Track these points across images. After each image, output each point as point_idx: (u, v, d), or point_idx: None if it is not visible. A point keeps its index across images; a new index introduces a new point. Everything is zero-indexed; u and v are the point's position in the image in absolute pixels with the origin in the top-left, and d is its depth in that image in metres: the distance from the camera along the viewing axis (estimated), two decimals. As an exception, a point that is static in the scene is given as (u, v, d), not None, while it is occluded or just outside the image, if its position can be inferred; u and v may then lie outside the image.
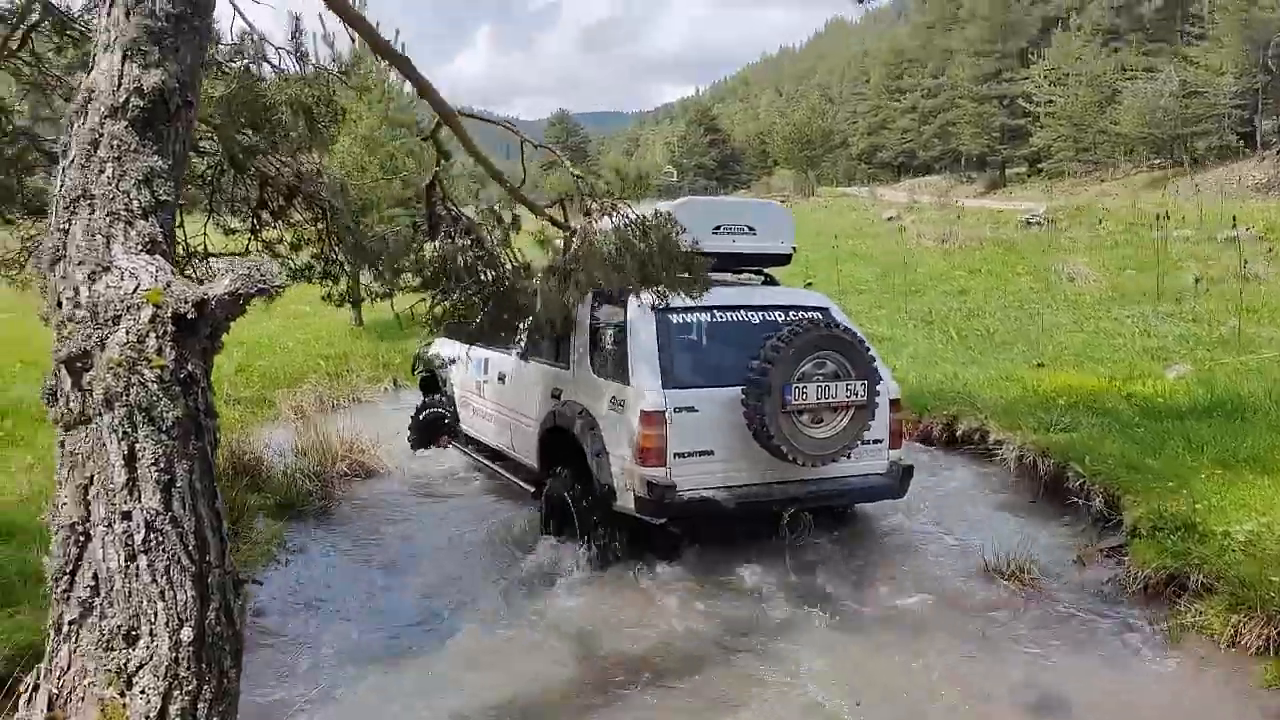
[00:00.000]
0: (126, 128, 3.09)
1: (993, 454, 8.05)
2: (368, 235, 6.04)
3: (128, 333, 2.82)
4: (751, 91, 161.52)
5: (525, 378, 7.15)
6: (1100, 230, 24.86)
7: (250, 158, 5.89)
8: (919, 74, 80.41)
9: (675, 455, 5.79)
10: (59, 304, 2.95)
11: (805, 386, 5.86)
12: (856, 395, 6.02)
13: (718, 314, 6.25)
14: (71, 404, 2.83)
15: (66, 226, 3.01)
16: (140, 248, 3.02)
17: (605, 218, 4.99)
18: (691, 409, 5.83)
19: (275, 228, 6.17)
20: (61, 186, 3.06)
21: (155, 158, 3.13)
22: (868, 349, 6.18)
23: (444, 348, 8.84)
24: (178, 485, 2.82)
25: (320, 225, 6.06)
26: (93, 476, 2.79)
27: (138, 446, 2.76)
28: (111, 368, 2.78)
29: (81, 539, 2.80)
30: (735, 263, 6.99)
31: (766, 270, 7.42)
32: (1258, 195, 34.77)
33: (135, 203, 3.05)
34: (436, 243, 5.32)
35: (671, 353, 5.99)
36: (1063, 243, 23.04)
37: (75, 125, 3.12)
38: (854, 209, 46.40)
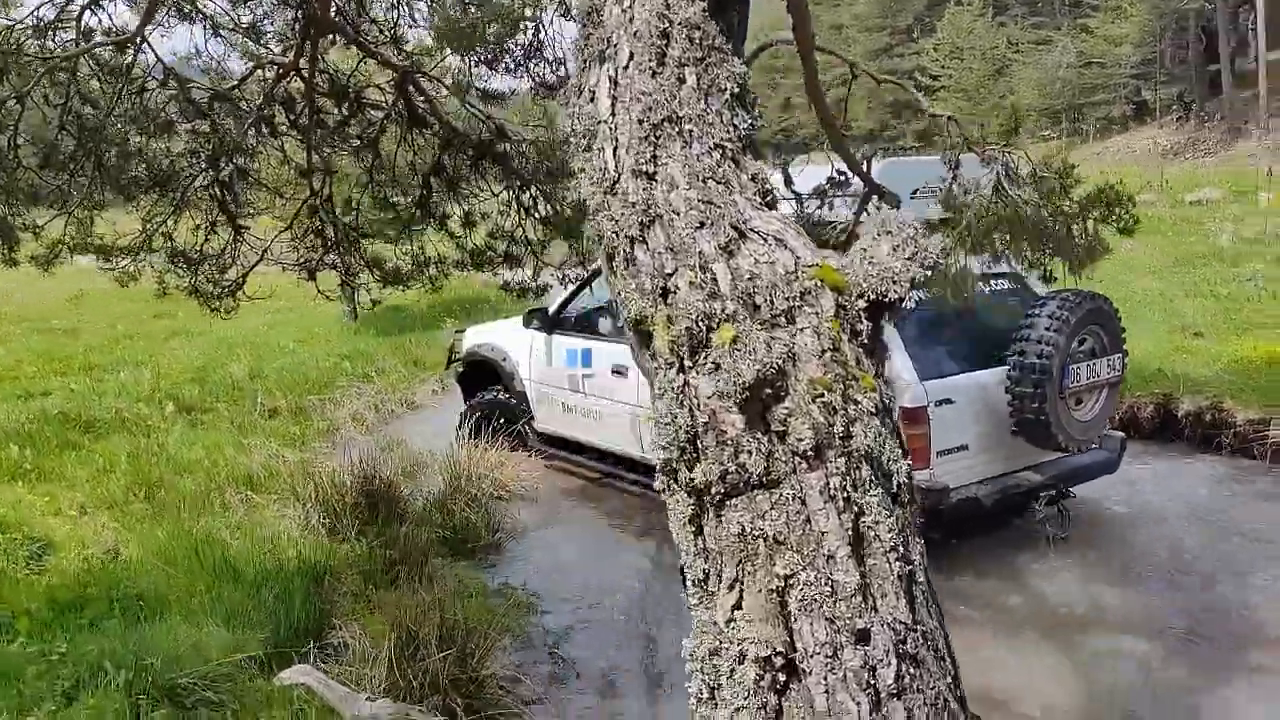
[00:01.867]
0: (703, 12, 2.01)
1: (1249, 444, 6.87)
2: (564, 203, 4.93)
3: (817, 335, 1.75)
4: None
5: None
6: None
7: (431, 111, 4.70)
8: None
9: (937, 454, 5.25)
10: (661, 292, 1.84)
11: (1078, 367, 5.43)
12: (1115, 371, 5.67)
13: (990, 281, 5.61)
14: (743, 457, 1.73)
15: (648, 168, 1.90)
16: (759, 199, 1.95)
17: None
18: (949, 400, 5.31)
19: (445, 198, 4.98)
20: (603, 108, 1.95)
21: (738, 61, 2.06)
22: (1120, 320, 5.69)
23: (498, 337, 7.97)
24: (918, 580, 1.76)
25: (510, 193, 4.90)
26: (792, 574, 1.70)
27: (864, 520, 1.70)
28: (817, 394, 1.70)
29: (779, 682, 1.71)
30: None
31: None
32: (1169, 160, 35.83)
33: (733, 130, 1.98)
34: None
35: (921, 337, 5.40)
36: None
37: (609, 10, 2.01)
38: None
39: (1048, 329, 5.27)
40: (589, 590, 5.42)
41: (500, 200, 5.01)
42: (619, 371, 6.78)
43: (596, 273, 6.49)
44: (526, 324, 7.45)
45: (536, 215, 4.99)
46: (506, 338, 7.88)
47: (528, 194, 4.92)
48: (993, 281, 5.69)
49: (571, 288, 7.08)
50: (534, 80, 4.10)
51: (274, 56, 4.39)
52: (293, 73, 4.40)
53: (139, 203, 4.46)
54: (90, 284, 22.92)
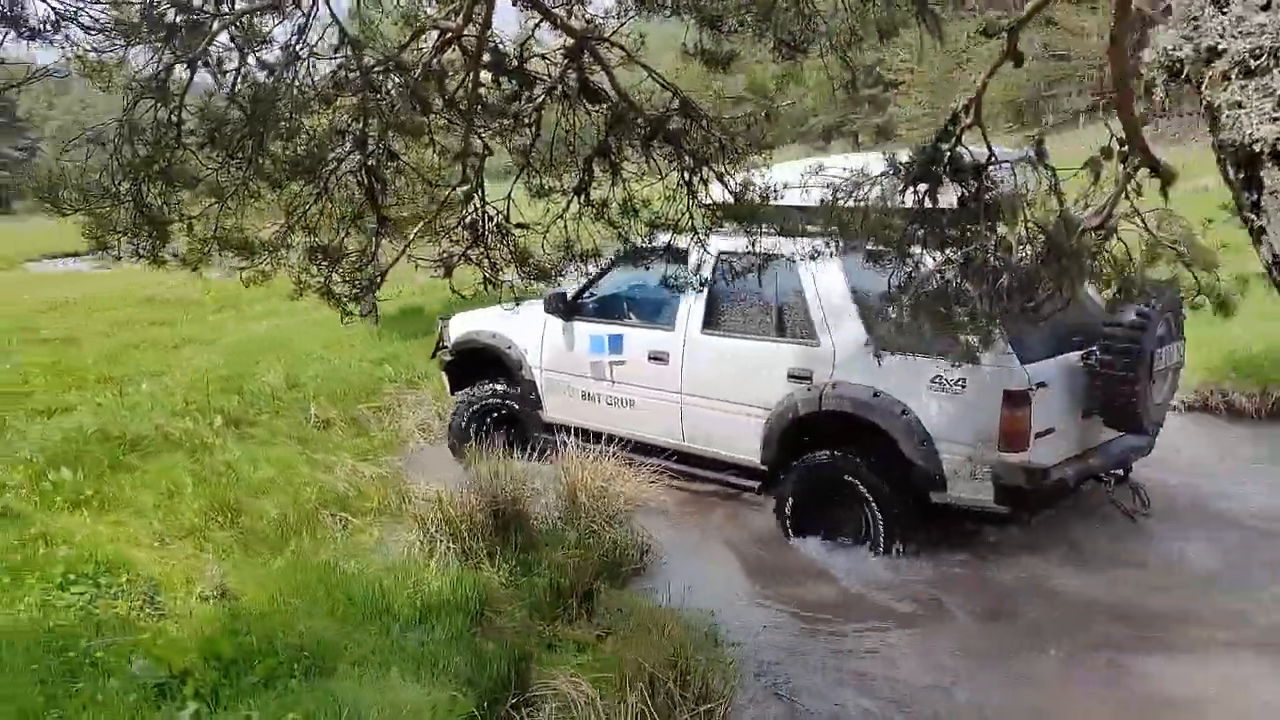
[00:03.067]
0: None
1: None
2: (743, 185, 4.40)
3: None
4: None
5: (720, 356, 6.34)
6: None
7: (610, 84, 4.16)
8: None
9: (1035, 436, 5.29)
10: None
11: (1160, 350, 5.53)
12: (1180, 356, 5.93)
13: None
14: None
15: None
16: None
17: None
18: (1043, 384, 5.32)
19: (610, 183, 4.42)
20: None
21: None
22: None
23: (499, 323, 7.55)
24: None
25: (685, 175, 4.35)
26: None
27: None
28: None
29: None
30: None
31: None
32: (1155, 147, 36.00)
33: None
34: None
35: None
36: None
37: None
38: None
39: (1140, 314, 5.29)
40: (768, 611, 4.92)
41: (664, 185, 4.45)
42: (658, 358, 6.60)
43: (619, 259, 6.08)
44: (549, 309, 7.12)
45: (706, 200, 4.45)
46: (509, 324, 7.42)
47: (698, 176, 4.37)
48: None
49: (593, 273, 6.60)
50: (779, 37, 3.57)
51: (437, 20, 3.81)
52: (455, 40, 3.84)
53: (282, 191, 3.84)
54: (59, 290, 21.91)
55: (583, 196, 4.43)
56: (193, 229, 3.72)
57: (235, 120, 3.24)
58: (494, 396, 7.60)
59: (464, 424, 7.67)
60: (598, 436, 6.84)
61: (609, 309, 7.12)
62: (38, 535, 4.92)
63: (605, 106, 4.17)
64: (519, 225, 4.52)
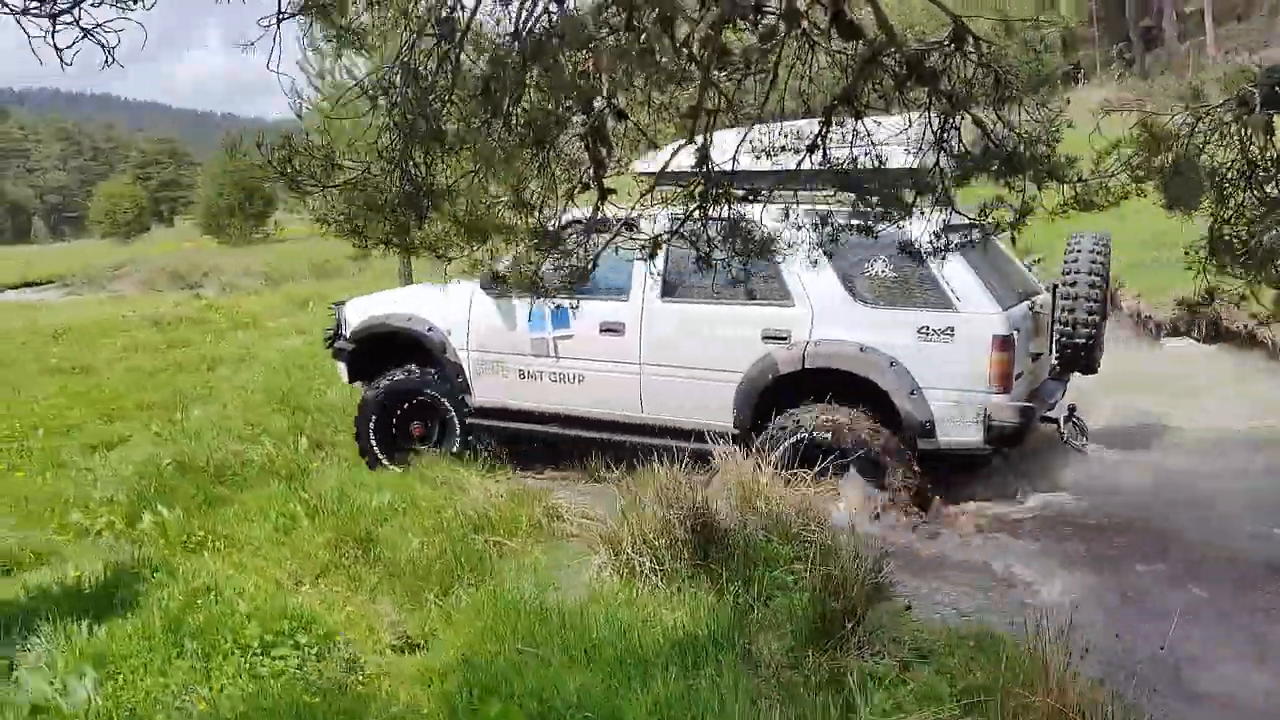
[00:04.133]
0: None
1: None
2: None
3: None
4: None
5: (685, 323, 6.25)
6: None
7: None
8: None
9: (1015, 378, 5.66)
10: None
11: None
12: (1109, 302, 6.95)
13: (958, 232, 5.73)
14: None
15: None
16: None
17: None
18: (1017, 329, 5.65)
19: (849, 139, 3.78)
20: None
21: None
22: None
23: (413, 305, 7.21)
24: None
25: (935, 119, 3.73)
26: None
27: None
28: None
29: None
30: None
31: None
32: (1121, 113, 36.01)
33: None
34: None
35: (979, 271, 5.70)
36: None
37: None
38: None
39: (1093, 261, 5.94)
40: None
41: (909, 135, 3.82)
42: (612, 329, 6.40)
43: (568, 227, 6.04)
44: (485, 285, 6.66)
45: (959, 147, 3.84)
46: (428, 305, 7.04)
47: (951, 122, 3.76)
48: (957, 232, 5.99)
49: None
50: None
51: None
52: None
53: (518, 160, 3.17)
54: (43, 319, 20.75)
55: (820, 154, 3.80)
56: (450, 203, 3.03)
57: (513, 62, 2.57)
58: (409, 383, 7.06)
59: (376, 420, 7.12)
60: (535, 417, 6.76)
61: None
62: (201, 588, 4.21)
63: (859, 44, 3.54)
64: (749, 192, 3.88)
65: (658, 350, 6.29)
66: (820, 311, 5.85)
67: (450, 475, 6.29)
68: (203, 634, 3.65)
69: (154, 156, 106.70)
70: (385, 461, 7.05)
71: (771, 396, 5.99)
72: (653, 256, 4.32)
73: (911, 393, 5.61)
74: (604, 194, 3.53)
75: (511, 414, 6.87)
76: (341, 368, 7.59)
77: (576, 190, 3.46)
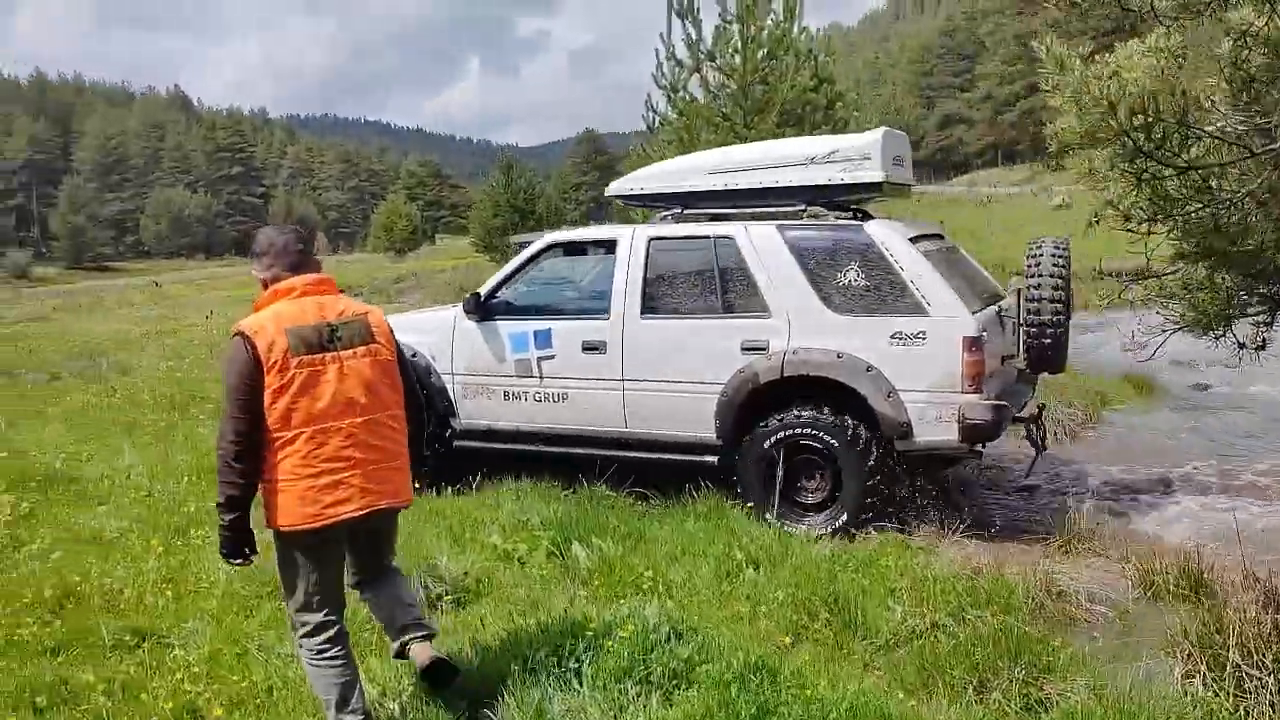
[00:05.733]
0: None
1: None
2: None
3: None
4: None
5: (665, 339, 6.45)
6: None
7: None
8: (986, 61, 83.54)
9: (987, 378, 5.80)
10: None
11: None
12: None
13: (928, 241, 6.38)
14: None
15: None
16: None
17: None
18: (985, 331, 5.80)
19: None
20: None
21: None
22: None
23: (399, 332, 6.86)
24: None
25: None
26: None
27: None
28: None
29: None
30: (894, 191, 6.80)
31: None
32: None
33: None
34: None
35: (947, 277, 5.90)
36: None
37: None
38: (999, 201, 44.68)
39: (1055, 264, 6.14)
40: None
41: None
42: (594, 348, 6.62)
43: (546, 251, 7.03)
44: (467, 310, 7.00)
45: None
46: (410, 332, 6.94)
47: None
48: (927, 241, 6.39)
49: (506, 269, 7.12)
50: None
51: None
52: None
53: None
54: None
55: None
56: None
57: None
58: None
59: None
60: (521, 437, 6.95)
61: (532, 305, 7.03)
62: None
63: None
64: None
65: (639, 366, 6.48)
66: (797, 321, 6.07)
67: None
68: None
69: (421, 178, 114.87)
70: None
71: (752, 407, 6.18)
72: None
73: (888, 396, 5.81)
74: None
75: (497, 434, 7.07)
76: None
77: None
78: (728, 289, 6.29)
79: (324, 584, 3.39)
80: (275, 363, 3.18)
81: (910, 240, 5.99)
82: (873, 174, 6.22)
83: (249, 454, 3.21)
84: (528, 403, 6.91)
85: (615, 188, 7.35)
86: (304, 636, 3.40)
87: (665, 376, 6.41)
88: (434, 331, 7.20)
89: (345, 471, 3.26)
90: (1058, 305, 6.17)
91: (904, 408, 5.78)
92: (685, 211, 6.89)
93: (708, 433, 6.30)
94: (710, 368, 6.24)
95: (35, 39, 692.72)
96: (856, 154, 6.26)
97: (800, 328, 6.04)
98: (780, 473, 6.02)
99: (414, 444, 3.55)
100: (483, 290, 7.03)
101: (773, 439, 6.06)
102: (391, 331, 3.63)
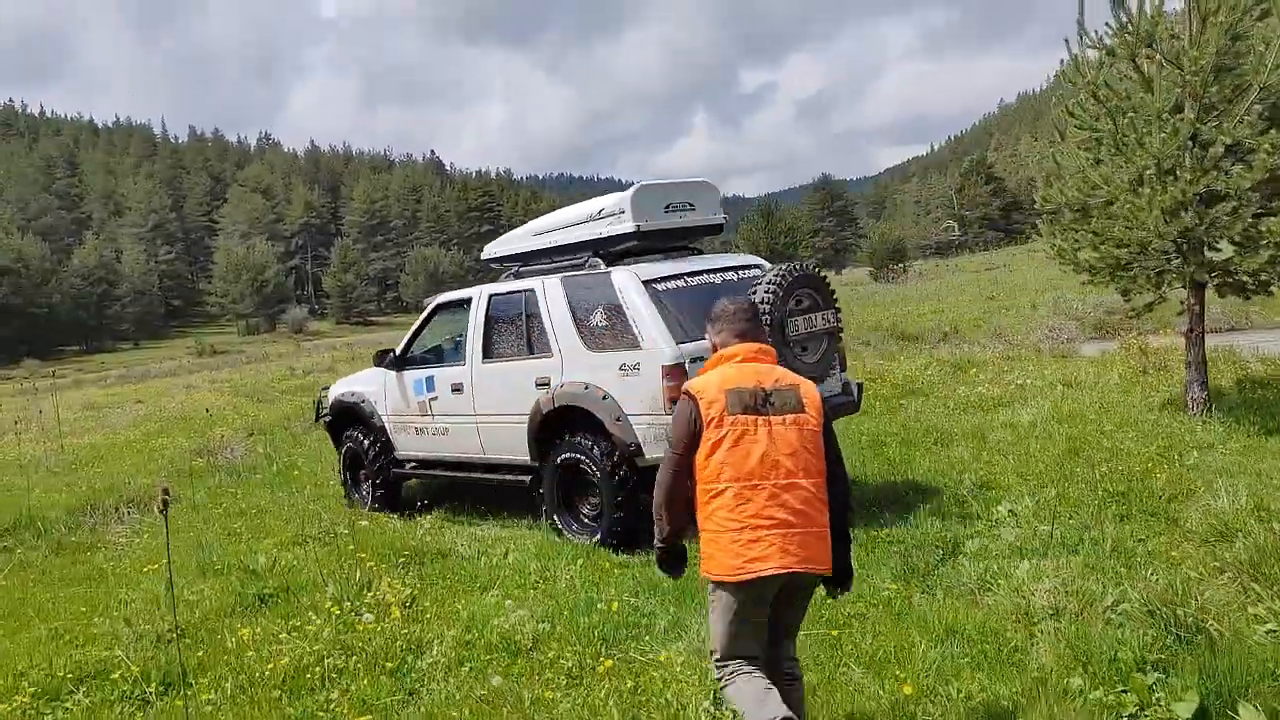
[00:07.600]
0: None
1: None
2: None
3: None
4: (1002, 141, 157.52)
5: (496, 379, 7.85)
6: None
7: None
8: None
9: None
10: None
11: (796, 320, 6.77)
12: (830, 323, 7.04)
13: (687, 279, 7.13)
14: None
15: None
16: None
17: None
18: (699, 359, 6.14)
19: None
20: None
21: None
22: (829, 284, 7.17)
23: (358, 384, 9.53)
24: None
25: None
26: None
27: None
28: None
29: None
30: (683, 235, 7.82)
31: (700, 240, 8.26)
32: None
33: None
34: None
35: (669, 315, 6.73)
36: None
37: None
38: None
39: (767, 292, 6.52)
40: None
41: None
42: (457, 389, 8.18)
43: (436, 311, 8.77)
44: (377, 363, 8.96)
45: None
46: (363, 384, 9.42)
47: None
48: (740, 271, 7.46)
49: (413, 328, 8.88)
50: None
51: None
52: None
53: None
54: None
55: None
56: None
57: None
58: (353, 443, 9.35)
59: (347, 472, 9.59)
60: (430, 464, 8.76)
61: (428, 355, 8.86)
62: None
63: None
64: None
65: (483, 402, 7.95)
66: (568, 359, 7.19)
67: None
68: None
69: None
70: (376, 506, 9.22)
71: (549, 432, 7.36)
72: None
73: (618, 419, 6.77)
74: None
75: (417, 462, 8.91)
76: (331, 438, 9.96)
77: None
78: (530, 334, 7.55)
79: (741, 635, 3.44)
80: (713, 419, 3.39)
81: (655, 281, 6.90)
82: (625, 226, 7.23)
83: (676, 502, 3.51)
84: (429, 436, 8.64)
85: (487, 252, 8.79)
86: (719, 678, 3.50)
87: (499, 410, 7.78)
88: (373, 382, 9.17)
89: (767, 530, 3.33)
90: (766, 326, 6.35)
91: (632, 429, 6.69)
92: (520, 270, 8.22)
93: (527, 456, 7.58)
94: (521, 401, 7.45)
95: (308, 115, 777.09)
96: (614, 209, 7.32)
97: (570, 364, 7.15)
98: (558, 491, 7.30)
99: (837, 519, 3.51)
100: (397, 348, 8.93)
101: (557, 461, 7.25)
102: (823, 403, 3.61)
